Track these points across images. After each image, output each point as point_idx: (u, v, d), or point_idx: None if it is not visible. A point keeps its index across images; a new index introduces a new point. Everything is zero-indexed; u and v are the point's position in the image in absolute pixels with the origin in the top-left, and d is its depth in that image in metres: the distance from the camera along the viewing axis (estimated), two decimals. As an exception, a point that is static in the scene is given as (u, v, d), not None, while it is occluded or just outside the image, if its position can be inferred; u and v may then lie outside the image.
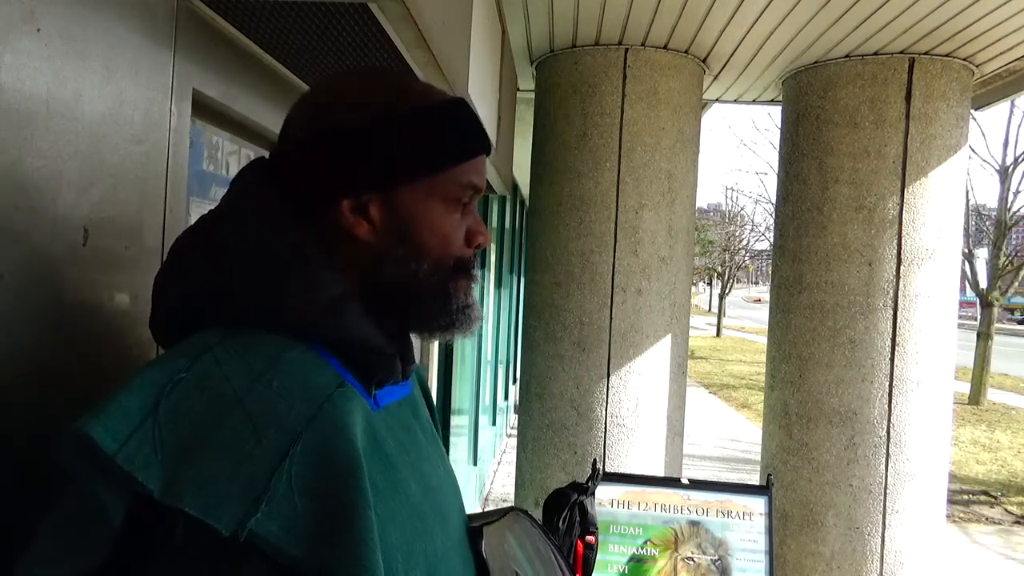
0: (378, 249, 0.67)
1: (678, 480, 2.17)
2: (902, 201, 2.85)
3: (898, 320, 2.85)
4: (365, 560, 0.51)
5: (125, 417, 0.51)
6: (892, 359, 2.85)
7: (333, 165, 0.66)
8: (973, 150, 13.25)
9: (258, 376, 0.55)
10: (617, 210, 2.86)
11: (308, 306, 0.62)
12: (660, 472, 2.92)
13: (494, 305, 6.03)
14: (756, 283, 74.05)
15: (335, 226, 0.66)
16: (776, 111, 4.53)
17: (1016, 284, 11.88)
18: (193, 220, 0.83)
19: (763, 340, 7.61)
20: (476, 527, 0.76)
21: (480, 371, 5.09)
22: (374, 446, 0.61)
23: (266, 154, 0.72)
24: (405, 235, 0.67)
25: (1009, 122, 11.78)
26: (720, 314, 25.57)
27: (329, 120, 0.66)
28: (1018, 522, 5.86)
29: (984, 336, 11.51)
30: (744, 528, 2.07)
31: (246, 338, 0.59)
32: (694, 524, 2.07)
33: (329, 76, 0.72)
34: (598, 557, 1.26)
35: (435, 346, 2.89)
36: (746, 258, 27.25)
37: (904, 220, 2.85)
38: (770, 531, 2.06)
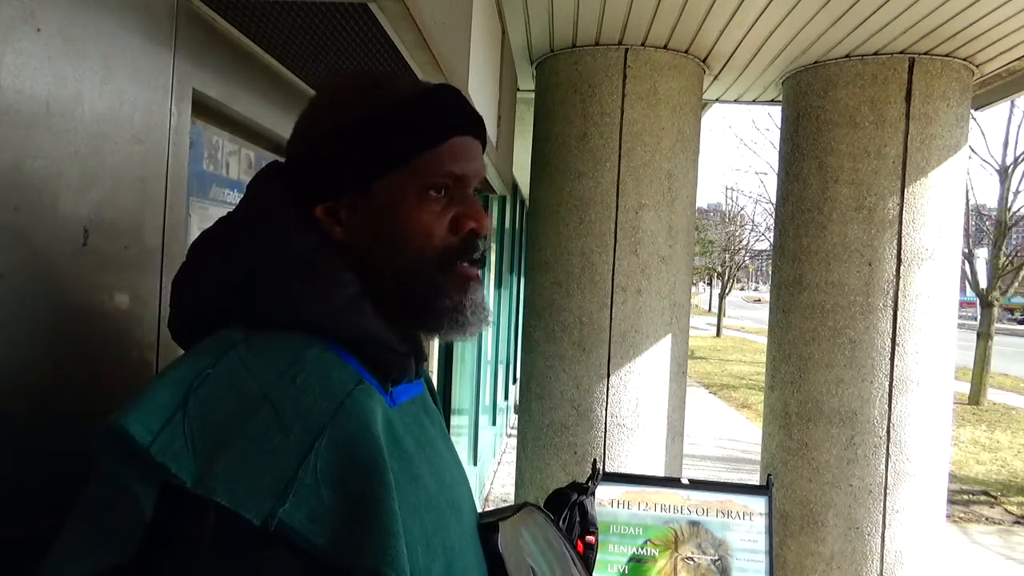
0: (359, 250, 0.68)
1: (678, 480, 2.16)
2: (902, 201, 2.85)
3: (898, 320, 2.85)
4: (391, 550, 0.53)
5: (157, 411, 0.53)
6: (892, 359, 2.85)
7: (307, 171, 0.68)
8: (973, 150, 13.24)
9: (282, 373, 0.57)
10: (617, 210, 2.86)
11: (326, 306, 0.63)
12: (660, 472, 2.92)
13: (494, 305, 6.03)
14: (756, 283, 74.00)
15: (327, 229, 0.68)
16: (776, 111, 4.53)
17: (1016, 284, 11.88)
18: (193, 220, 0.83)
19: (763, 340, 7.61)
20: (492, 522, 0.77)
21: (480, 371, 5.08)
22: (393, 441, 0.62)
23: (267, 155, 0.72)
24: (381, 233, 0.67)
25: (1009, 122, 11.82)
26: (720, 314, 25.55)
27: (308, 126, 0.69)
28: (1018, 522, 5.86)
29: (984, 336, 11.52)
30: (744, 528, 2.07)
31: (268, 336, 0.61)
32: (694, 524, 2.07)
33: (324, 82, 0.75)
34: (598, 557, 1.26)
35: (435, 346, 2.89)
36: (746, 258, 27.23)
37: (904, 220, 2.85)
38: (770, 531, 2.06)
